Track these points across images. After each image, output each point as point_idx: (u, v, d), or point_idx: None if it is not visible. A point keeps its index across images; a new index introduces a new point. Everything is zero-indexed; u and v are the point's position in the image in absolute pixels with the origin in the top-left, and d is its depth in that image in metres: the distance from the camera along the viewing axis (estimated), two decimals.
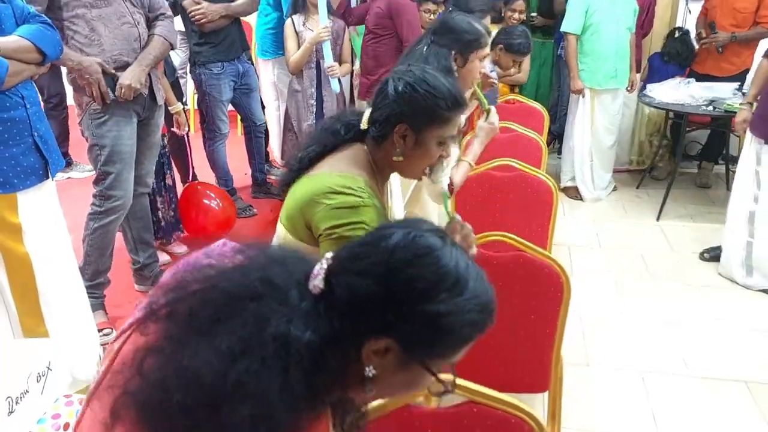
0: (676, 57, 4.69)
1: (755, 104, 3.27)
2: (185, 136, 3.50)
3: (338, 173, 1.36)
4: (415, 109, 1.34)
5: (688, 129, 4.38)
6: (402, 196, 1.81)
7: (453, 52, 1.99)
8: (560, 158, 4.84)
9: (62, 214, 2.24)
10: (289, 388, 0.71)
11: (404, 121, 1.35)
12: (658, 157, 4.86)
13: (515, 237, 1.82)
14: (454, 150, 2.12)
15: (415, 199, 2.22)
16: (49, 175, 2.08)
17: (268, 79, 4.26)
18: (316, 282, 0.77)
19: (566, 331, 1.85)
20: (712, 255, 3.53)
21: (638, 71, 4.59)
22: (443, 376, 0.83)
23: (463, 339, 0.80)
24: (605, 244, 3.85)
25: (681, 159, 4.70)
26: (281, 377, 0.70)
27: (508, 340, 1.86)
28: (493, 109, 2.14)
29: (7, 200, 1.96)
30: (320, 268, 0.78)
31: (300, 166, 1.45)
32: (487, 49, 2.05)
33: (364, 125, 1.41)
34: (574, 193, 4.58)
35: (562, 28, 4.34)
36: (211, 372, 0.68)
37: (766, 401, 2.43)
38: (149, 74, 2.63)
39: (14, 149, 1.96)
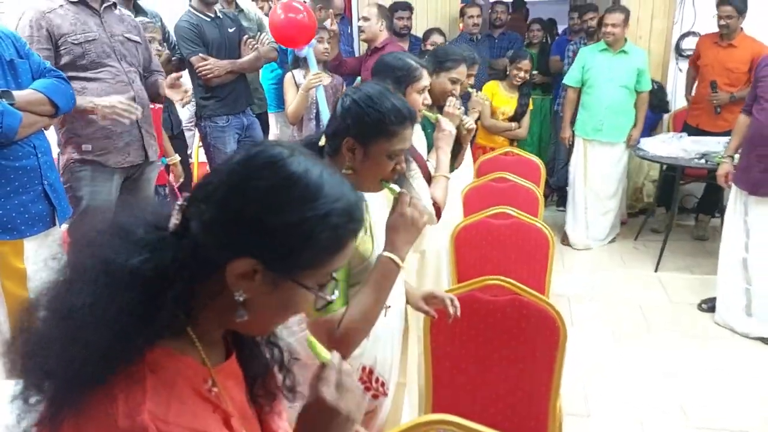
0: (657, 106, 4.96)
1: (736, 157, 3.36)
2: (175, 187, 3.55)
3: None
4: (360, 123, 1.38)
5: (683, 182, 4.49)
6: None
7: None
8: (558, 210, 4.98)
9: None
10: (107, 310, 0.71)
11: (351, 135, 1.39)
12: (653, 206, 4.95)
13: (511, 281, 1.86)
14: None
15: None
16: (56, 223, 2.13)
17: (272, 132, 4.38)
18: (173, 219, 0.78)
19: (566, 382, 1.85)
20: (710, 305, 3.55)
21: None
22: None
23: (327, 246, 0.78)
24: (604, 294, 3.87)
25: (677, 211, 4.79)
26: (99, 299, 0.71)
27: (505, 386, 1.88)
28: (440, 116, 2.28)
29: (14, 246, 2.02)
30: (177, 206, 0.79)
31: None
32: (423, 82, 2.10)
33: (321, 142, 1.46)
34: (568, 241, 4.67)
35: (563, 81, 4.60)
36: (41, 292, 0.76)
37: None
38: (140, 131, 2.68)
39: (24, 197, 2.03)
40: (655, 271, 4.17)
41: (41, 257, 2.10)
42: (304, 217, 0.75)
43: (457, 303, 1.67)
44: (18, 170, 2.02)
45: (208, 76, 3.51)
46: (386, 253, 1.38)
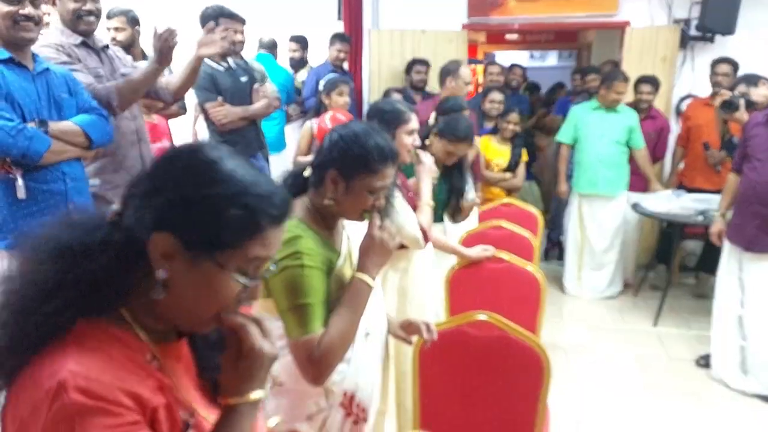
0: None
1: (728, 215, 3.44)
2: None
3: None
4: (344, 157, 1.47)
5: (685, 238, 4.55)
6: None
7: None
8: (559, 264, 5.09)
9: None
10: (41, 282, 0.79)
11: (335, 168, 1.47)
12: (653, 265, 4.98)
13: (499, 317, 1.92)
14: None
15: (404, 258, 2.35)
16: None
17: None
18: (112, 208, 0.86)
19: None
20: (707, 361, 3.55)
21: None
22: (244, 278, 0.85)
23: (241, 226, 0.82)
24: (601, 347, 3.88)
25: (679, 270, 4.83)
26: (35, 272, 0.80)
27: (490, 421, 1.92)
28: (420, 152, 2.44)
29: None
30: (121, 198, 0.87)
31: None
32: (411, 125, 2.23)
33: (306, 172, 1.55)
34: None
35: (556, 138, 4.79)
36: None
37: None
38: (144, 165, 2.75)
39: (48, 218, 2.13)
40: (654, 326, 4.18)
41: None
42: (213, 194, 0.81)
43: (433, 328, 1.73)
44: (45, 193, 2.16)
45: (222, 121, 3.67)
46: (357, 275, 1.46)
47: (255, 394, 0.89)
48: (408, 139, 2.22)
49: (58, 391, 0.73)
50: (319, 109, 4.10)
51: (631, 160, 4.65)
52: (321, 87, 4.16)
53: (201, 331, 0.93)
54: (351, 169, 1.47)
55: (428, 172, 2.41)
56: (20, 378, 0.77)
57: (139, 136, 2.80)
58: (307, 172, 1.55)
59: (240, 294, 0.86)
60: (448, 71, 4.09)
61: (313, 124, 4.00)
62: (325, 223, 1.54)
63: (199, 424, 0.88)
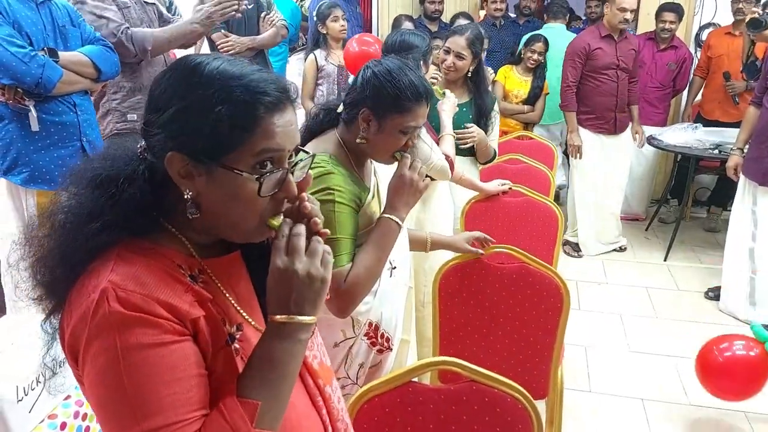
0: None
1: (746, 149, 3.39)
2: None
3: None
4: (377, 96, 1.43)
5: (699, 172, 4.52)
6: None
7: (421, 63, 2.19)
8: None
9: None
10: (84, 212, 0.82)
11: (368, 107, 1.44)
12: (666, 199, 4.97)
13: (520, 250, 1.94)
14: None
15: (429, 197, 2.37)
16: None
17: None
18: (141, 143, 0.87)
19: (570, 360, 1.92)
20: (716, 294, 3.60)
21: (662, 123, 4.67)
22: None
23: (236, 122, 0.79)
24: (612, 281, 3.93)
25: (691, 204, 4.82)
26: (78, 204, 0.83)
27: (509, 347, 1.96)
28: (447, 91, 2.47)
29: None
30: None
31: None
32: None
33: (339, 109, 1.53)
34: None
35: None
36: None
37: (764, 430, 2.48)
38: None
39: (62, 150, 2.18)
40: (665, 260, 4.21)
41: None
42: (196, 98, 0.80)
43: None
44: (57, 125, 2.16)
45: (230, 52, 3.60)
46: (386, 214, 1.46)
47: (283, 317, 0.82)
48: (432, 68, 2.24)
49: (99, 301, 0.77)
50: (317, 40, 3.99)
51: (649, 91, 4.54)
52: (314, 17, 4.04)
53: (254, 241, 0.90)
54: (384, 108, 1.44)
55: (451, 106, 2.39)
56: (72, 292, 0.82)
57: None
58: (339, 109, 1.53)
59: (274, 193, 0.85)
60: None
61: (316, 55, 3.92)
62: (355, 159, 1.53)
63: (248, 337, 0.89)
